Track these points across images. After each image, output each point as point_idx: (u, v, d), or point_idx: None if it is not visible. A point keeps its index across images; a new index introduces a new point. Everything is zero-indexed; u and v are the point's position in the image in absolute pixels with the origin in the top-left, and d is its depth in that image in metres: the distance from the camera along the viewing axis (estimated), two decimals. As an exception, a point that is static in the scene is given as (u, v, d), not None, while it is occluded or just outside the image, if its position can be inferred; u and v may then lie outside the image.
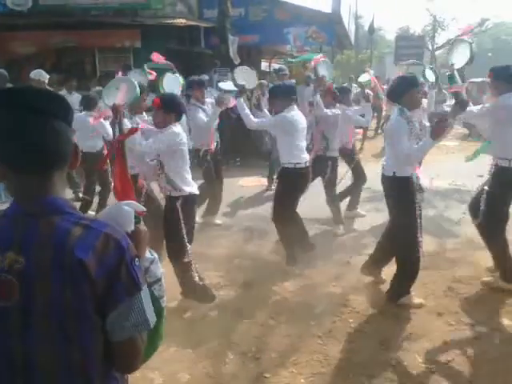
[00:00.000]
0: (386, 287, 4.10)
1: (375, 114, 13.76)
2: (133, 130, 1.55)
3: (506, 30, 46.52)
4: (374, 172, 7.16)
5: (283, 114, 4.38)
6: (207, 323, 3.61)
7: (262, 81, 10.62)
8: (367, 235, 5.48)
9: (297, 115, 4.44)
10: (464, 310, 3.78)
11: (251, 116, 4.64)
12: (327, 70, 5.27)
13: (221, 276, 4.40)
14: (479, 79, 16.51)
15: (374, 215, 6.26)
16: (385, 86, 15.02)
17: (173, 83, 5.07)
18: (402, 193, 3.59)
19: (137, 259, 1.13)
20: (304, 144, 4.58)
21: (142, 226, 1.33)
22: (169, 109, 3.50)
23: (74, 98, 8.43)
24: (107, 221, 1.20)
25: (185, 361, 3.13)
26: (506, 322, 3.56)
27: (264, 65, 16.99)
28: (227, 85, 6.10)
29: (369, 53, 26.96)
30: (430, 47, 28.54)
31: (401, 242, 3.70)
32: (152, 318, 1.16)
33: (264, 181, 7.74)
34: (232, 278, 4.37)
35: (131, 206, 1.32)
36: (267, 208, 6.56)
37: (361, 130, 12.42)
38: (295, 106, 4.49)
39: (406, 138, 3.45)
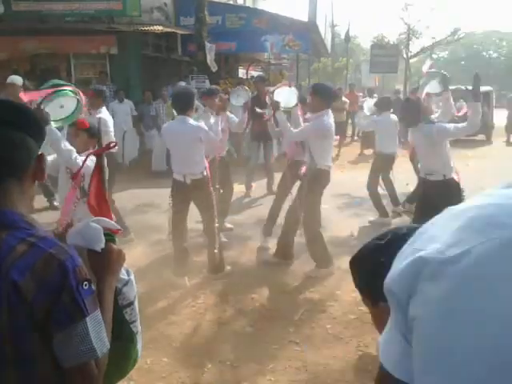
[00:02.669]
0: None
1: (350, 121, 13.93)
2: (110, 145, 1.51)
3: (476, 40, 47.82)
4: (350, 178, 7.28)
5: (321, 119, 4.42)
6: (184, 332, 3.57)
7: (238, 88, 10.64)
8: (346, 241, 5.52)
9: (331, 119, 4.55)
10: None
11: (291, 128, 4.62)
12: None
13: (199, 283, 4.37)
14: (453, 87, 16.89)
15: (353, 221, 6.32)
16: (360, 94, 15.27)
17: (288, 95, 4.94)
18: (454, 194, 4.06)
19: (86, 283, 1.06)
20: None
21: (115, 245, 1.26)
22: None
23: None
24: (74, 237, 1.16)
25: (161, 371, 3.09)
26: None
27: (241, 72, 17.05)
28: (238, 99, 5.96)
29: (345, 61, 27.35)
30: (405, 55, 29.05)
31: None
32: (101, 346, 1.07)
33: (242, 187, 7.74)
34: (210, 285, 4.35)
35: (101, 223, 1.26)
36: (246, 215, 6.58)
37: (337, 137, 12.54)
38: (330, 111, 4.54)
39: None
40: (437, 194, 4.06)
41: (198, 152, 4.25)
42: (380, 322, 1.05)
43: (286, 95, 4.92)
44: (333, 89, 4.75)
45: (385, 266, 1.05)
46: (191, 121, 4.23)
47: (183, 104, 4.24)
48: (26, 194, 1.15)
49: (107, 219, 1.33)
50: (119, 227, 1.35)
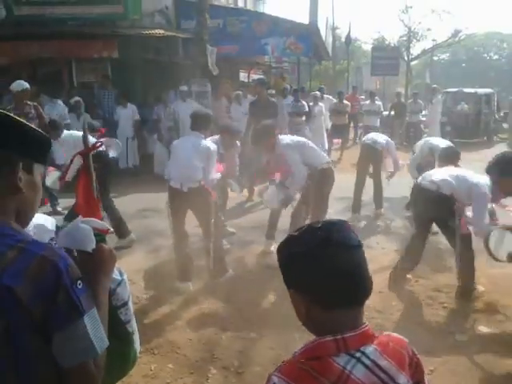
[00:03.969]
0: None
1: (352, 124, 13.93)
2: (97, 145, 1.48)
3: (477, 42, 47.78)
4: (353, 181, 7.24)
5: (278, 144, 4.68)
6: (188, 338, 3.55)
7: (238, 92, 10.65)
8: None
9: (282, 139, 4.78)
10: (444, 319, 3.81)
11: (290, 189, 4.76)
12: None
13: (202, 288, 4.35)
14: (454, 89, 16.91)
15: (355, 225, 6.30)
16: (363, 97, 15.29)
17: None
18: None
19: (79, 282, 1.07)
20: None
21: (107, 245, 1.26)
22: None
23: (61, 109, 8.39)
24: (64, 239, 1.15)
25: (166, 377, 3.07)
26: (484, 330, 3.60)
27: (243, 75, 17.07)
28: None
29: (346, 63, 27.36)
30: (406, 58, 29.04)
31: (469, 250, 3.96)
32: (101, 343, 1.08)
33: (244, 192, 7.72)
34: (213, 290, 4.33)
35: (90, 224, 1.26)
36: (248, 219, 6.57)
37: (339, 140, 12.54)
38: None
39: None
40: (427, 204, 4.01)
41: (199, 163, 4.25)
42: (294, 306, 1.17)
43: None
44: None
45: (296, 256, 1.10)
46: (205, 139, 4.41)
47: (200, 123, 4.43)
48: (8, 206, 1.11)
49: (96, 219, 1.32)
50: (108, 227, 1.34)
